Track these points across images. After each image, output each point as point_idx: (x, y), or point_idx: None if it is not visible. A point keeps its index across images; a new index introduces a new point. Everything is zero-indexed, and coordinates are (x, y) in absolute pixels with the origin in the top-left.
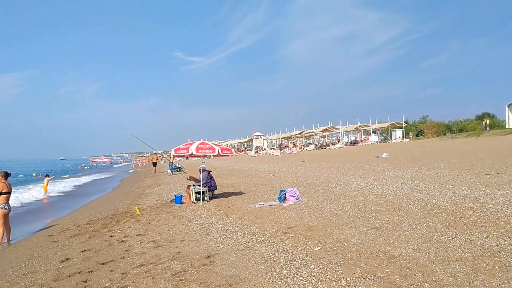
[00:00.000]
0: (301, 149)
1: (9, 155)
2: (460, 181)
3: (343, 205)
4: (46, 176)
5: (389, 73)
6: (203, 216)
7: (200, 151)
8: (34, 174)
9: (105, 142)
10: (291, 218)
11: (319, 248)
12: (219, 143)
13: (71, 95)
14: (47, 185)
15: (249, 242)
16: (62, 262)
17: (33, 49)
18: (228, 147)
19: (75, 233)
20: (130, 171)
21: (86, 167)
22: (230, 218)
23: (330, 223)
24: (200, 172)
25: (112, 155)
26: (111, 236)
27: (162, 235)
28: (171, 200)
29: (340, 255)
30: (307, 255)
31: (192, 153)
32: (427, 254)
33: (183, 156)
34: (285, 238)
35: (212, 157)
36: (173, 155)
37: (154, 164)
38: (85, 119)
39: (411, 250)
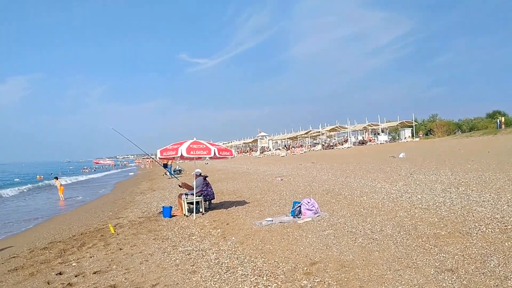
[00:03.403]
0: (309, 150)
1: (14, 158)
2: None
3: (382, 225)
4: (55, 179)
5: (396, 72)
6: (194, 237)
7: (192, 152)
8: (38, 176)
9: (112, 144)
10: (312, 245)
11: None
12: (223, 144)
13: (77, 97)
14: (61, 187)
15: None
16: None
17: (38, 52)
18: (232, 148)
19: (19, 264)
20: (131, 173)
21: (87, 170)
22: (229, 243)
23: (373, 257)
24: (194, 178)
25: (117, 157)
26: (59, 274)
27: (129, 273)
28: (160, 212)
29: None
30: None
31: (181, 154)
32: None
33: (172, 158)
34: (309, 285)
35: (208, 159)
36: (159, 158)
37: (165, 166)
38: (91, 122)
39: None
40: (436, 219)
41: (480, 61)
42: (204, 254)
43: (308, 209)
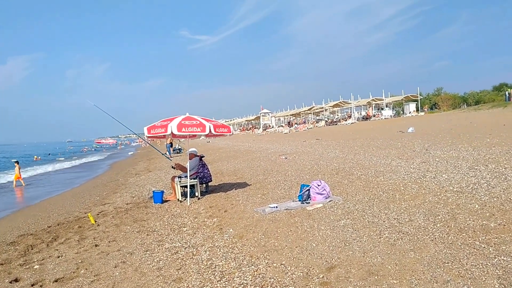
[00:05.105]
0: (314, 125)
1: (16, 138)
2: None
3: (410, 213)
4: (16, 163)
5: (400, 46)
6: (185, 229)
7: (184, 129)
8: (35, 157)
9: (114, 123)
10: (327, 240)
11: None
12: (225, 121)
13: (78, 76)
14: (18, 173)
15: None
16: None
17: (38, 31)
18: (234, 125)
19: None
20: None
21: (85, 149)
22: (225, 236)
23: (408, 260)
24: (189, 158)
25: (119, 136)
26: (15, 281)
27: (98, 281)
28: (151, 197)
29: None
30: None
31: (172, 132)
32: None
33: (162, 137)
34: None
35: (203, 137)
36: (147, 136)
37: (170, 146)
38: (93, 100)
39: None
40: (477, 206)
41: (484, 33)
42: (194, 253)
43: (318, 193)
